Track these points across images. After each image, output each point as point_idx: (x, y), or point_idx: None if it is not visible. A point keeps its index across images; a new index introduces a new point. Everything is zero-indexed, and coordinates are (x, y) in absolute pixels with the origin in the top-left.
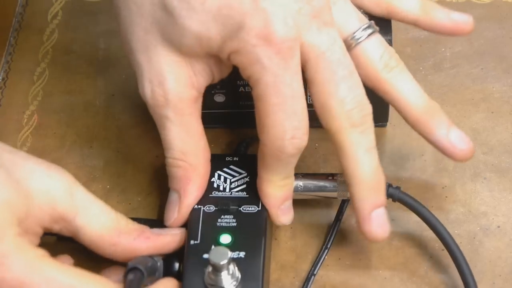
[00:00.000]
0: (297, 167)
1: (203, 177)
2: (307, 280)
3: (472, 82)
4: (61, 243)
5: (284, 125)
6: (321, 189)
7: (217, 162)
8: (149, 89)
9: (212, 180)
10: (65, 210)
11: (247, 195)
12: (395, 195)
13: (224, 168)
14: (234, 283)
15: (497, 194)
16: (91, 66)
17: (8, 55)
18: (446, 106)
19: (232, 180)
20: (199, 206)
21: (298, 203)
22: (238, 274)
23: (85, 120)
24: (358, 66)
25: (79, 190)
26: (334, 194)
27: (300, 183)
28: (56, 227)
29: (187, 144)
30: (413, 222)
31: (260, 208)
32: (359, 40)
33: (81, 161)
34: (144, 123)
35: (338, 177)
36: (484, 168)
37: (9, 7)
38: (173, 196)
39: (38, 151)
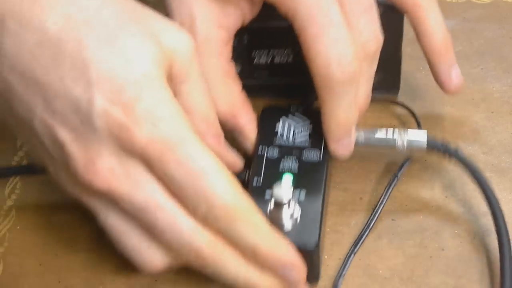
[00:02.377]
0: None
1: (244, 105)
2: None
3: (472, 82)
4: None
5: (327, 53)
6: (381, 143)
7: (281, 111)
8: None
9: (275, 127)
10: (178, 72)
11: (310, 144)
12: (453, 154)
13: (288, 116)
14: (294, 222)
15: (497, 194)
16: None
17: None
18: (446, 106)
19: (295, 129)
20: (262, 151)
21: None
22: (298, 214)
23: None
24: None
25: (196, 60)
26: (394, 147)
27: (362, 136)
28: None
29: (218, 86)
30: (413, 222)
31: (321, 156)
32: None
33: None
34: None
35: (397, 130)
36: (484, 168)
37: None
38: (235, 134)
39: None
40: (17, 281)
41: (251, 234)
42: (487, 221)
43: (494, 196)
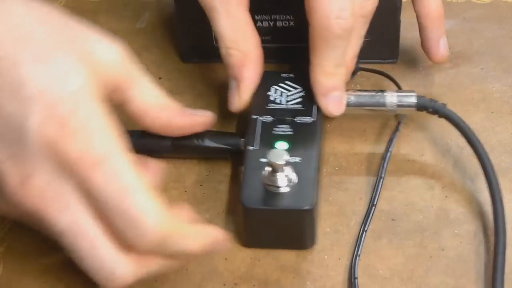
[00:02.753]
0: None
1: (256, 61)
2: (353, 265)
3: (472, 82)
4: None
5: (329, 6)
6: (372, 103)
7: (273, 78)
8: None
9: (268, 93)
10: (122, 81)
11: (303, 107)
12: (441, 110)
13: (280, 83)
14: (290, 184)
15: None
16: None
17: None
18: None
19: (288, 94)
20: (256, 116)
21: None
22: (293, 176)
23: None
24: None
25: (134, 63)
26: (384, 107)
27: (352, 97)
28: (110, 98)
29: (236, 33)
30: (413, 222)
31: (314, 119)
32: None
33: None
34: None
35: (387, 91)
36: None
37: None
38: (232, 84)
39: None
40: (17, 281)
41: (184, 247)
42: (487, 221)
43: (484, 152)
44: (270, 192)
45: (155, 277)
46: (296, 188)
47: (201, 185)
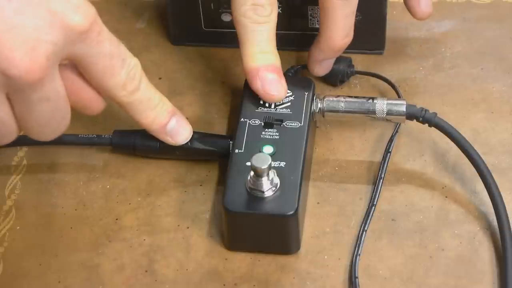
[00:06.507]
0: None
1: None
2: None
3: (472, 82)
4: None
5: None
6: (362, 110)
7: None
8: None
9: (258, 97)
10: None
11: (291, 112)
12: (431, 120)
13: None
14: (273, 188)
15: None
16: None
17: None
18: (446, 106)
19: None
20: (245, 119)
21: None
22: (277, 180)
23: (85, 120)
24: None
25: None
26: (374, 114)
27: (342, 104)
28: None
29: None
30: (413, 222)
31: (302, 124)
32: None
33: (81, 161)
34: None
35: (378, 99)
36: None
37: None
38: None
39: (37, 152)
40: (17, 281)
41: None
42: (487, 221)
43: (480, 160)
44: (253, 196)
45: (155, 277)
46: (279, 194)
47: (201, 185)
